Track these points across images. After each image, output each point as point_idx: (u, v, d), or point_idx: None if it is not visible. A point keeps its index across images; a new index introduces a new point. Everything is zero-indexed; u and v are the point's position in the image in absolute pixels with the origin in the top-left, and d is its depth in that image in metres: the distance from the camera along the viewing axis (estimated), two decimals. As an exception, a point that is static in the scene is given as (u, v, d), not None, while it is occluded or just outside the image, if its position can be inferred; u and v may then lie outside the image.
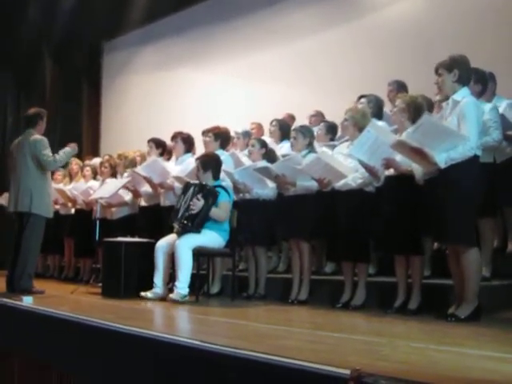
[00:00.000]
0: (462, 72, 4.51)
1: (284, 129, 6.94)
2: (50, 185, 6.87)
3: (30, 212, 6.49)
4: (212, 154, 6.36)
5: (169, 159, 7.38)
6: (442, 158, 4.33)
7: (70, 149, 6.78)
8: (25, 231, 6.51)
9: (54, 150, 6.74)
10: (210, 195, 5.88)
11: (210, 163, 6.14)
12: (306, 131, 5.97)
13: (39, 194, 6.53)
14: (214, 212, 5.90)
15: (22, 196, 6.52)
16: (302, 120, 7.41)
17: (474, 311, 4.37)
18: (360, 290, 5.32)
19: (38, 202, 6.51)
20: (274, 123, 7.07)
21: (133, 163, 7.68)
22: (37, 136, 6.68)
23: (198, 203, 5.83)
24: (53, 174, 8.95)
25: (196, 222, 5.86)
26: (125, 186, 7.29)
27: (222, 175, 6.24)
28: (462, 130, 4.35)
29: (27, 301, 5.42)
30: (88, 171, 8.68)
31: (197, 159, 6.26)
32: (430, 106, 5.57)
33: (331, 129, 6.52)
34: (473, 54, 4.79)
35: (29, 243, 6.52)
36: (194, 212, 5.85)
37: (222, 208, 5.96)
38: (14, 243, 6.56)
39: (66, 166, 8.55)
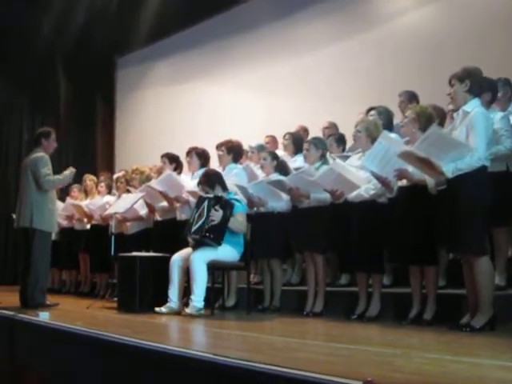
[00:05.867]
0: (474, 83, 4.52)
1: (297, 142, 6.86)
2: (53, 201, 6.90)
3: (32, 227, 6.59)
4: (208, 170, 6.41)
5: (179, 173, 7.30)
6: (450, 168, 4.35)
7: (68, 172, 6.88)
8: (32, 247, 6.60)
9: (70, 165, 6.81)
10: (228, 206, 5.86)
11: (211, 179, 6.14)
12: (318, 143, 5.97)
13: (40, 210, 6.62)
14: (234, 223, 5.87)
15: (24, 211, 6.66)
16: (315, 132, 7.39)
17: (489, 321, 4.35)
18: (375, 301, 5.31)
19: (40, 217, 6.61)
20: (286, 137, 7.00)
21: (149, 178, 7.69)
22: (38, 154, 6.79)
23: (217, 213, 5.80)
24: (68, 190, 9.06)
25: (217, 234, 5.81)
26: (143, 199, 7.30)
27: (234, 189, 6.25)
28: (471, 140, 4.36)
29: (43, 316, 5.43)
30: (102, 187, 8.75)
31: (198, 184, 6.26)
32: (442, 115, 5.57)
33: (340, 141, 6.50)
34: (481, 62, 4.80)
35: (37, 259, 6.60)
36: (214, 223, 5.81)
37: (240, 218, 5.95)
38: (23, 259, 6.70)
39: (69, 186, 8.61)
